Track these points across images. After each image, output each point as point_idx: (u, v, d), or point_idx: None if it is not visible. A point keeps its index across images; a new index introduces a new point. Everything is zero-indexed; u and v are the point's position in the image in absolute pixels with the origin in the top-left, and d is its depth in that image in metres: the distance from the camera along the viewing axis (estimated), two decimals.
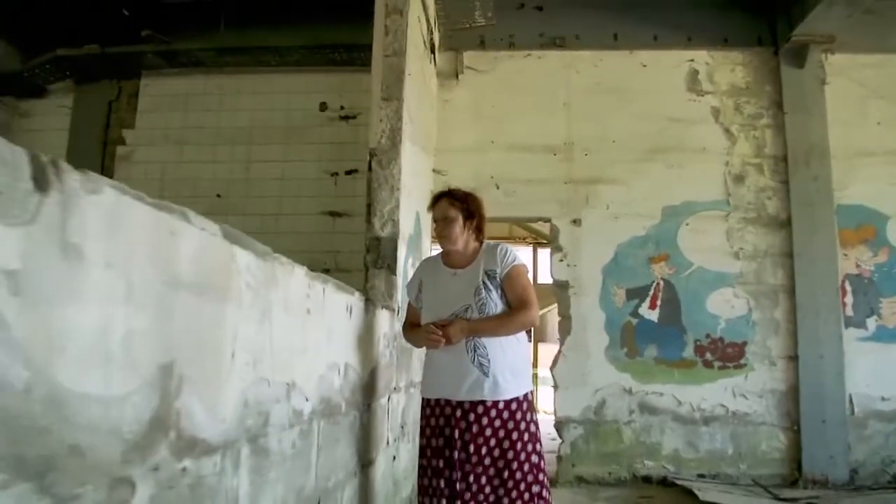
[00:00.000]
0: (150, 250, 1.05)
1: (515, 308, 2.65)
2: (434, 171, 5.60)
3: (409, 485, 4.27)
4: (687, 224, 5.58)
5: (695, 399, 5.35)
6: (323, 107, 5.79)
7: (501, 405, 2.58)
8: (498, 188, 5.64)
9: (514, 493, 2.52)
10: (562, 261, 5.61)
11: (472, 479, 2.53)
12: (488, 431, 2.56)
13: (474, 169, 5.64)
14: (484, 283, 2.66)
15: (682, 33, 5.81)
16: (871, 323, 5.45)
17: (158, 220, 1.07)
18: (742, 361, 5.40)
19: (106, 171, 5.80)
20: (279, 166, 5.71)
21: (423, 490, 2.67)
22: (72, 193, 0.85)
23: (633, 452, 5.29)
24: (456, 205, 2.76)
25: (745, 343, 5.42)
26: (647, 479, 5.22)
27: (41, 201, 0.79)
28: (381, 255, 3.63)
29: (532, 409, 2.67)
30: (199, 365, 1.23)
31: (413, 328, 2.86)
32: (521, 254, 3.29)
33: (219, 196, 5.71)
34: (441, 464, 2.60)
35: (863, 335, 5.42)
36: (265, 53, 5.66)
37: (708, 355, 5.42)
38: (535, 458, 2.58)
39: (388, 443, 3.38)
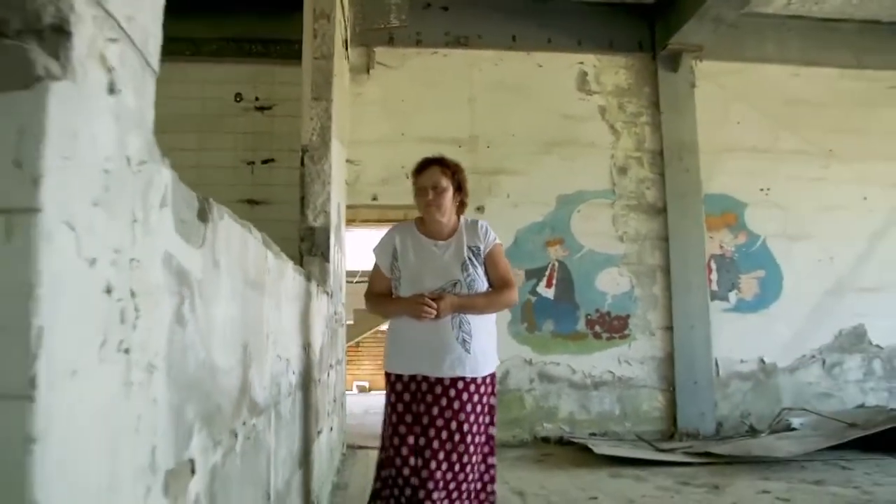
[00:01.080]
0: (238, 258, 1.38)
1: (499, 287, 2.68)
2: (347, 161, 5.89)
3: (338, 454, 4.62)
4: (578, 211, 6.20)
5: (586, 367, 6.00)
6: (238, 97, 5.92)
7: (479, 381, 2.60)
8: (408, 178, 5.99)
9: (480, 466, 2.59)
10: None
11: (428, 454, 2.50)
12: (468, 407, 2.56)
13: (386, 160, 5.99)
14: (469, 258, 2.64)
15: (573, 37, 6.38)
16: (733, 296, 6.30)
17: (242, 234, 1.41)
18: (626, 332, 6.10)
19: None
20: (195, 155, 5.80)
21: (389, 462, 2.60)
22: (215, 222, 1.18)
23: (534, 417, 5.88)
24: (447, 173, 2.69)
25: (628, 316, 6.12)
26: (546, 440, 5.82)
27: (205, 228, 1.12)
28: (315, 243, 3.92)
29: (495, 384, 2.72)
30: (256, 345, 1.57)
31: (383, 297, 2.76)
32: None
33: None
34: (411, 440, 2.56)
35: (726, 307, 6.26)
36: (180, 43, 5.73)
37: (597, 328, 6.07)
38: (492, 430, 2.66)
39: (328, 414, 3.72)
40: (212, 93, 5.91)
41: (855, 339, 6.43)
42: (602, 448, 5.15)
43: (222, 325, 1.24)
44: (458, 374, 2.55)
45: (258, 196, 5.80)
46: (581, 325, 6.05)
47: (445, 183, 2.65)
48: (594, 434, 5.85)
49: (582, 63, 6.38)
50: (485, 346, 2.63)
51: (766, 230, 6.42)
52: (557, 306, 6.06)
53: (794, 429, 5.69)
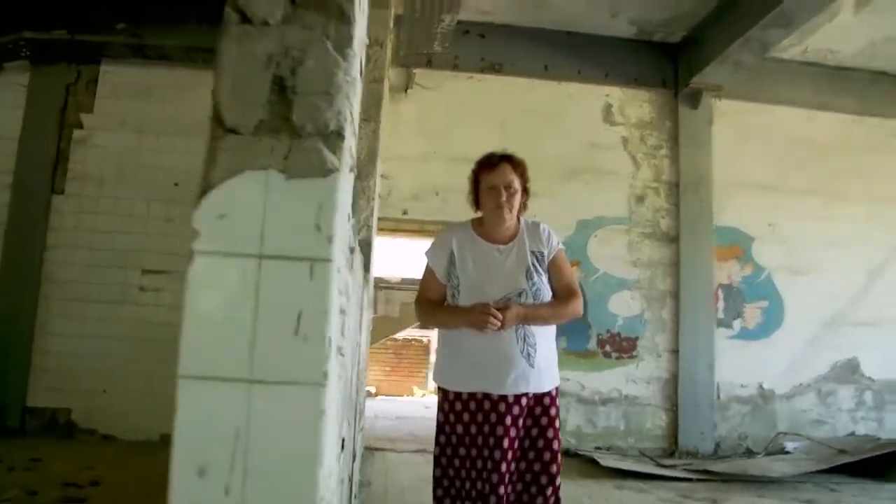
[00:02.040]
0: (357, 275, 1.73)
1: (565, 296, 2.49)
2: (381, 176, 6.24)
3: (359, 454, 4.94)
4: (596, 236, 6.55)
5: (595, 384, 6.34)
6: None
7: (542, 397, 2.45)
8: (437, 195, 6.37)
9: (539, 498, 2.41)
10: None
11: (495, 478, 2.34)
12: (535, 426, 2.43)
13: (418, 176, 6.34)
14: (533, 265, 2.46)
15: (601, 70, 6.75)
16: (737, 324, 6.65)
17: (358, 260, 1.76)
18: (634, 353, 6.44)
19: (62, 152, 6.02)
20: None
21: (449, 482, 2.48)
22: (355, 252, 1.53)
23: None
24: (518, 172, 2.53)
25: (637, 338, 6.47)
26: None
27: (353, 259, 1.47)
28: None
29: (557, 399, 2.56)
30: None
31: (439, 306, 2.56)
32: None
33: (176, 185, 6.06)
34: (458, 464, 2.45)
35: (730, 334, 6.62)
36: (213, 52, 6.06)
37: (607, 347, 6.42)
38: (560, 458, 2.49)
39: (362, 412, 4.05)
40: None
41: (849, 371, 6.78)
42: (608, 461, 5.48)
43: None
44: (523, 390, 2.38)
45: None
46: (592, 344, 6.39)
47: (518, 183, 2.50)
48: (599, 448, 6.18)
49: (608, 95, 6.75)
50: (549, 360, 2.48)
51: (770, 263, 6.78)
52: (571, 325, 6.36)
53: (788, 452, 6.05)
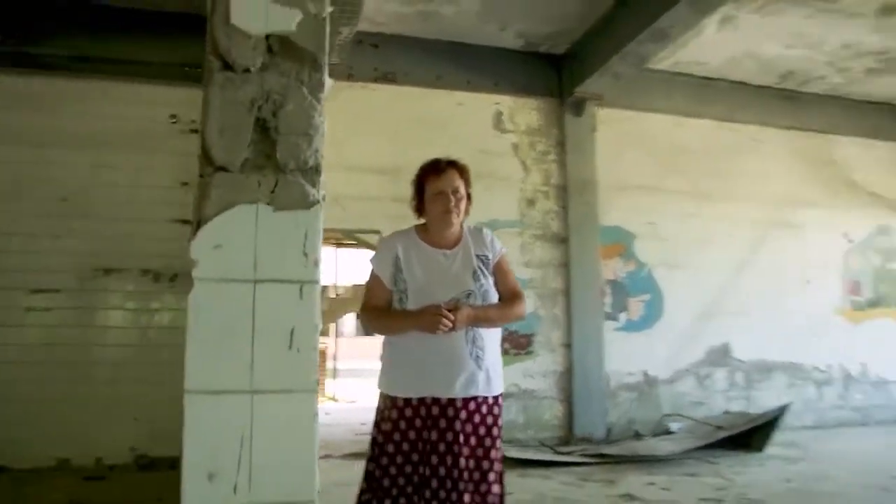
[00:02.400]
0: None
1: (511, 298, 2.53)
2: None
3: None
4: None
5: None
6: (174, 119, 6.15)
7: (490, 401, 2.46)
8: (337, 203, 6.44)
9: (489, 496, 2.36)
10: None
11: (449, 484, 2.31)
12: (481, 430, 2.40)
13: None
14: (479, 268, 2.49)
15: (491, 79, 7.04)
16: (622, 317, 7.15)
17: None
18: (530, 349, 6.79)
19: None
20: (132, 174, 5.96)
21: (374, 487, 2.40)
22: None
23: None
24: (464, 178, 2.56)
25: (532, 335, 6.82)
26: None
27: None
28: None
29: (501, 406, 2.56)
30: None
31: (384, 311, 2.52)
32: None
33: (64, 199, 5.81)
34: (401, 461, 2.39)
35: (616, 326, 7.10)
36: (120, 63, 5.89)
37: (506, 345, 6.69)
38: (499, 466, 2.45)
39: None
40: (147, 113, 6.08)
41: (721, 355, 7.45)
42: (511, 452, 5.76)
43: None
44: (472, 392, 2.38)
45: (191, 216, 6.03)
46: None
47: (463, 189, 2.53)
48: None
49: (498, 103, 7.06)
50: (495, 363, 2.51)
51: (651, 259, 7.33)
52: None
53: (672, 432, 6.60)
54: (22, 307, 5.59)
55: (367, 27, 6.51)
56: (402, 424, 2.40)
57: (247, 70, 1.09)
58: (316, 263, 1.13)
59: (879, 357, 8.17)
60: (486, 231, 2.63)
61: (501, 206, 6.89)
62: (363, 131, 6.61)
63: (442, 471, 2.32)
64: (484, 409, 2.43)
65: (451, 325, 2.30)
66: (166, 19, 6.09)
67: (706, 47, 6.91)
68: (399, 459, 2.40)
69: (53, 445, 5.44)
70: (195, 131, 6.11)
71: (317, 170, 1.16)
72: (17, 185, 5.73)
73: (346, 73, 6.63)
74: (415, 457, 2.38)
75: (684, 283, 7.38)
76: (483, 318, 2.42)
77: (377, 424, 2.48)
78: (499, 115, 7.06)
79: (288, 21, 1.13)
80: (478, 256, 2.51)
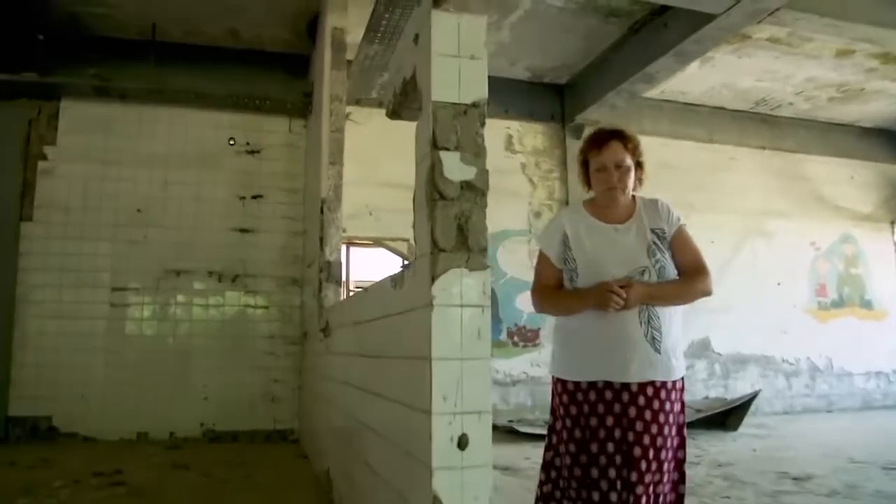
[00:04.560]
0: None
1: (692, 274, 2.33)
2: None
3: None
4: (503, 246, 7.85)
5: (506, 368, 7.64)
6: (231, 141, 7.10)
7: (670, 386, 2.26)
8: (371, 214, 7.44)
9: (670, 495, 2.25)
10: None
11: (625, 475, 2.18)
12: (661, 418, 2.22)
13: (353, 199, 7.34)
14: (654, 243, 2.32)
15: (502, 106, 8.03)
16: None
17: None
18: (537, 342, 7.80)
19: (28, 183, 6.58)
20: (196, 188, 6.92)
21: (555, 483, 2.36)
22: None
23: None
24: (630, 149, 2.40)
25: (539, 329, 7.82)
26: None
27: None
28: (331, 273, 5.25)
29: (684, 394, 2.36)
30: None
31: (558, 291, 2.40)
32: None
33: (139, 211, 6.77)
34: (574, 449, 2.27)
35: None
36: (185, 93, 6.82)
37: (516, 338, 7.73)
38: (681, 454, 2.31)
39: None
40: (210, 136, 7.04)
41: (702, 348, 8.49)
42: (525, 428, 6.78)
43: None
44: (649, 377, 2.22)
45: (248, 225, 6.98)
46: (503, 336, 7.69)
47: (629, 161, 2.38)
48: (511, 421, 7.47)
49: (509, 128, 8.07)
50: (674, 345, 2.32)
51: None
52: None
53: None
54: (106, 303, 6.54)
55: None
56: (573, 410, 2.30)
57: (451, 199, 2.06)
58: (488, 296, 2.05)
59: (843, 351, 9.25)
60: (661, 202, 2.44)
61: (512, 218, 7.90)
62: (393, 152, 7.50)
63: (618, 459, 2.21)
64: (663, 394, 2.24)
65: (623, 302, 2.19)
66: (224, 54, 7.10)
67: (688, 80, 7.94)
68: (573, 448, 2.28)
69: (134, 421, 6.40)
70: (250, 153, 7.09)
71: (485, 249, 2.08)
72: (100, 198, 6.68)
73: (377, 102, 7.61)
74: (594, 447, 2.25)
75: None
76: (660, 295, 2.26)
77: (553, 412, 2.42)
78: (509, 137, 8.07)
79: (471, 173, 2.09)
80: (653, 230, 2.35)
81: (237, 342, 6.74)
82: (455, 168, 2.12)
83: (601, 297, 2.21)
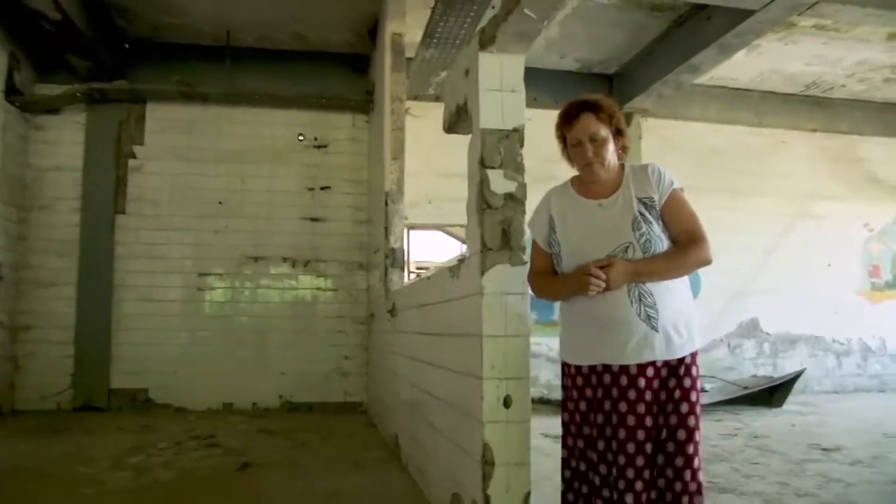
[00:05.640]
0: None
1: (686, 243, 2.19)
2: None
3: None
4: None
5: (557, 346, 8.03)
6: (300, 137, 7.69)
7: (674, 363, 2.15)
8: (430, 203, 7.94)
9: (677, 483, 2.10)
10: None
11: (622, 460, 2.10)
12: (662, 397, 2.14)
13: (414, 189, 7.84)
14: (641, 214, 2.18)
15: (551, 97, 8.33)
16: None
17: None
18: None
19: (120, 179, 7.32)
20: (268, 181, 7.55)
21: (570, 465, 2.35)
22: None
23: None
24: (604, 119, 2.24)
25: None
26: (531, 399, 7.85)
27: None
28: (395, 259, 5.78)
29: (699, 371, 2.23)
30: None
31: (546, 277, 2.36)
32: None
33: (220, 203, 7.45)
34: (583, 444, 2.26)
35: None
36: (259, 95, 7.44)
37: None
38: (697, 436, 2.14)
39: None
40: (281, 133, 7.65)
41: (751, 328, 8.75)
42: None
43: None
44: (648, 358, 2.12)
45: (317, 215, 7.59)
46: (556, 316, 8.08)
47: (605, 132, 2.23)
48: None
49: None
50: (675, 320, 2.18)
51: None
52: (538, 302, 8.02)
53: (705, 390, 7.94)
54: (194, 287, 7.26)
55: None
56: (574, 394, 2.31)
57: (497, 208, 2.51)
58: (525, 284, 2.49)
59: None
60: (652, 166, 2.28)
61: None
62: (450, 143, 7.89)
63: (614, 445, 2.14)
64: (664, 373, 2.16)
65: (603, 285, 2.09)
66: (292, 56, 7.66)
67: (736, 66, 8.11)
68: (585, 430, 2.29)
69: (220, 393, 7.12)
70: (318, 147, 7.67)
71: (524, 248, 2.53)
72: (185, 192, 7.38)
73: (435, 96, 8.08)
74: (594, 431, 2.23)
75: (719, 266, 8.54)
76: (646, 272, 2.13)
77: (562, 391, 2.44)
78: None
79: (512, 187, 2.53)
80: (640, 200, 2.22)
81: (310, 322, 7.39)
82: (499, 183, 2.60)
83: (578, 281, 2.14)
